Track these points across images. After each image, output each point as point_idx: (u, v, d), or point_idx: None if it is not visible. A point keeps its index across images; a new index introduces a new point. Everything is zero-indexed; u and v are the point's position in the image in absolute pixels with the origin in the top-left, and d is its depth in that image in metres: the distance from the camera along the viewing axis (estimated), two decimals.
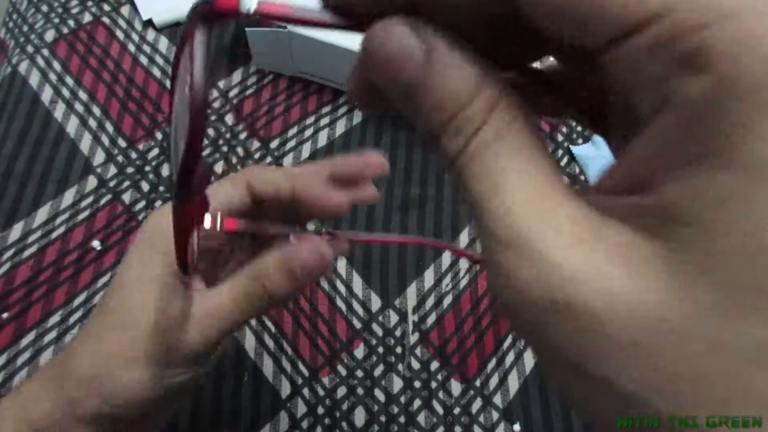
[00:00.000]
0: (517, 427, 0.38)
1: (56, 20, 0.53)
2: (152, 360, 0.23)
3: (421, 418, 0.39)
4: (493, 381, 0.40)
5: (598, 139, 0.49)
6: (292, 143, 0.48)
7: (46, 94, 0.49)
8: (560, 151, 0.50)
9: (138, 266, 0.25)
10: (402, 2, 0.13)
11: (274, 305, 0.24)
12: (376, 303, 0.42)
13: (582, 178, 0.48)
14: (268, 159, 0.47)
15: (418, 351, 0.41)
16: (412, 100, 0.13)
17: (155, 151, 0.47)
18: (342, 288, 0.43)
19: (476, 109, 0.12)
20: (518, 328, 0.13)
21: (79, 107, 0.48)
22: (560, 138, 0.50)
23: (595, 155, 0.48)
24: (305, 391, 0.39)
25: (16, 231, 0.43)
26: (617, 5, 0.10)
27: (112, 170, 0.46)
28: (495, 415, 0.39)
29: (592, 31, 0.11)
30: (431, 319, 0.42)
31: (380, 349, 0.41)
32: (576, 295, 0.10)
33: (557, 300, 0.11)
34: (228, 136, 0.48)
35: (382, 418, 0.38)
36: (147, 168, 0.46)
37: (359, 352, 0.40)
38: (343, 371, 0.40)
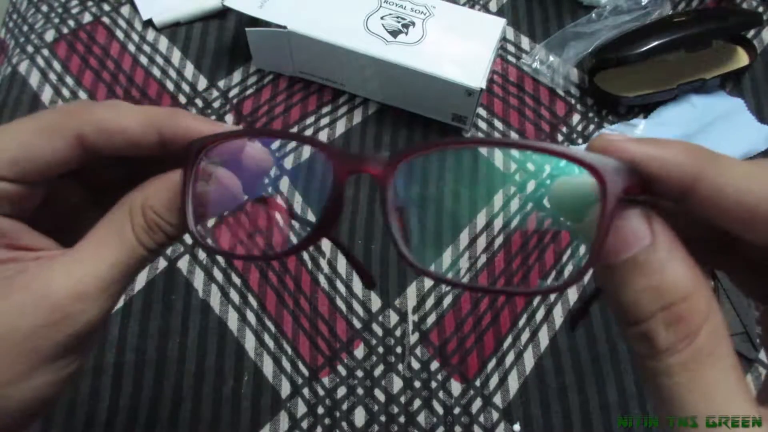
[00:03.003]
0: (517, 427, 0.38)
1: (56, 20, 0.53)
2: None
3: (421, 418, 0.39)
4: (493, 381, 0.40)
5: None
6: (292, 144, 0.48)
7: (46, 94, 0.49)
8: None
9: None
10: None
11: (161, 248, 0.20)
12: (376, 303, 0.42)
13: None
14: None
15: (418, 351, 0.41)
16: (624, 277, 0.14)
17: None
18: (342, 288, 0.43)
19: (695, 307, 0.13)
20: None
21: None
22: (560, 138, 0.50)
23: None
24: (305, 391, 0.39)
25: None
26: None
27: None
28: (495, 415, 0.39)
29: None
30: (431, 319, 0.42)
31: (380, 349, 0.41)
32: None
33: None
34: None
35: (382, 418, 0.38)
36: None
37: (359, 352, 0.40)
38: (343, 371, 0.40)
